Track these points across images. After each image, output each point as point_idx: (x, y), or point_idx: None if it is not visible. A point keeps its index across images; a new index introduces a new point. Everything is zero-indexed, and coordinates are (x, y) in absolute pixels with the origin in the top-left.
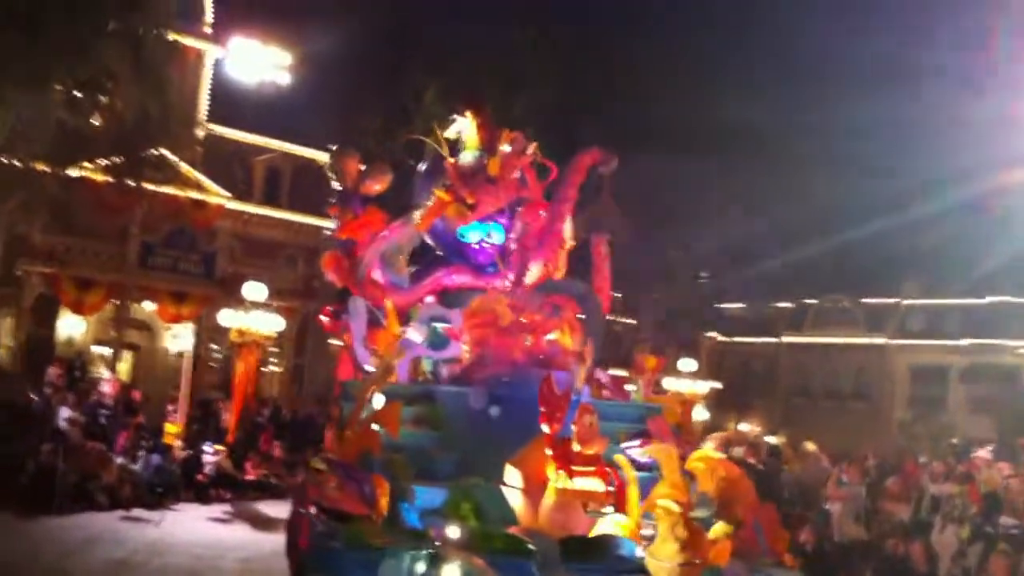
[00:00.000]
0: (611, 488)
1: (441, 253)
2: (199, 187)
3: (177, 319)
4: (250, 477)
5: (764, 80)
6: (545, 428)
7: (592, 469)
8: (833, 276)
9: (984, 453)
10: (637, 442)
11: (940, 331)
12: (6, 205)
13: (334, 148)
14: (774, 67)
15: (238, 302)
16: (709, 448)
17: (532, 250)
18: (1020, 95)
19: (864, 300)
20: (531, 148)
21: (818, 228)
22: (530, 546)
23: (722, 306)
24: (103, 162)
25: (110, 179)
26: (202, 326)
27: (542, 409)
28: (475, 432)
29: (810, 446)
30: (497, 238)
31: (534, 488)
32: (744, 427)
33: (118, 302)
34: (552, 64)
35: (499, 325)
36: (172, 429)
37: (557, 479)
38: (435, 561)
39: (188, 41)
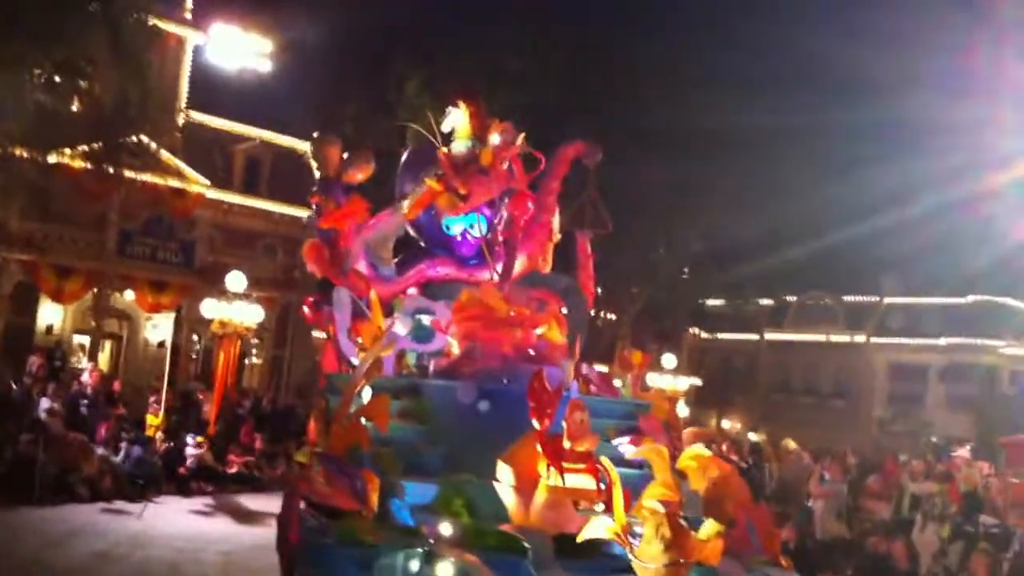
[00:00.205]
0: (603, 486)
1: (424, 244)
2: (178, 175)
3: (157, 308)
4: (231, 470)
5: (748, 81)
6: (535, 424)
7: (583, 466)
8: (815, 274)
9: (963, 452)
10: (627, 439)
11: (920, 330)
12: None
13: (316, 135)
14: (758, 69)
15: (218, 292)
16: (699, 446)
17: (519, 242)
18: (1002, 99)
19: (845, 298)
20: (519, 139)
21: (801, 227)
22: (524, 544)
23: (704, 302)
24: (81, 148)
25: (88, 165)
26: (182, 316)
27: (532, 404)
28: (463, 427)
29: (791, 444)
30: (480, 230)
31: (525, 485)
32: (725, 424)
33: (98, 291)
34: (537, 61)
35: (489, 318)
36: (153, 421)
37: (548, 476)
38: (429, 559)
39: (168, 27)
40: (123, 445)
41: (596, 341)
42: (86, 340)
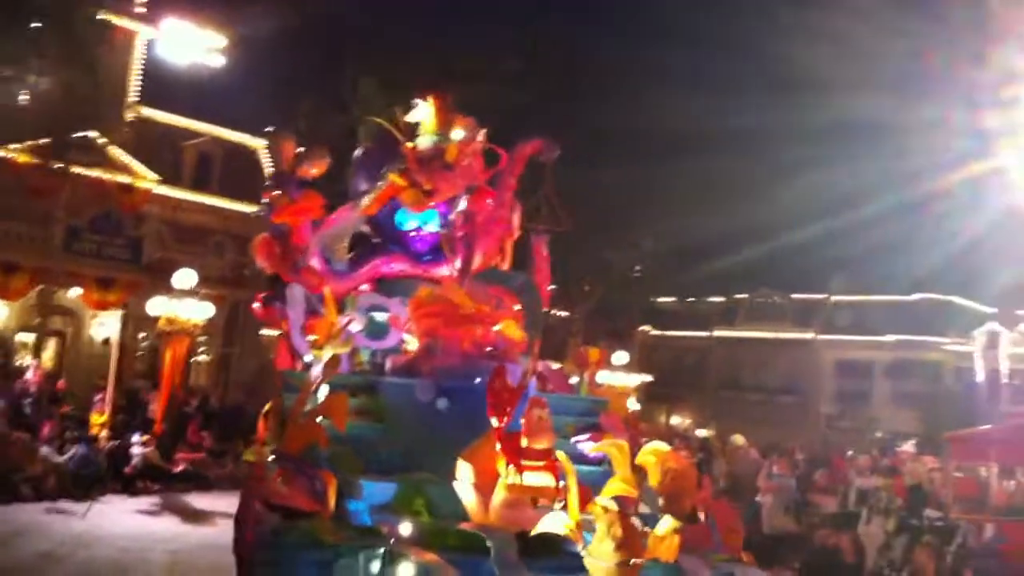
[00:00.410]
0: (562, 484)
1: (377, 240)
2: (127, 170)
3: (103, 306)
4: (178, 468)
5: (703, 82)
6: (494, 421)
7: (542, 464)
8: (766, 273)
9: (908, 447)
10: (587, 436)
11: (867, 327)
12: None
13: (271, 130)
14: (713, 70)
15: (167, 289)
16: (658, 442)
17: (479, 238)
18: (954, 101)
19: (794, 296)
20: (480, 135)
21: (752, 225)
22: (487, 543)
23: (656, 300)
24: (29, 143)
25: (35, 160)
26: (129, 313)
27: (491, 402)
28: (421, 425)
29: (739, 439)
30: (434, 226)
31: (485, 483)
32: (675, 420)
33: (43, 288)
34: (492, 59)
35: (450, 315)
36: (98, 419)
37: (507, 474)
38: (390, 559)
39: (119, 21)
40: (68, 444)
41: (549, 338)
42: (30, 338)
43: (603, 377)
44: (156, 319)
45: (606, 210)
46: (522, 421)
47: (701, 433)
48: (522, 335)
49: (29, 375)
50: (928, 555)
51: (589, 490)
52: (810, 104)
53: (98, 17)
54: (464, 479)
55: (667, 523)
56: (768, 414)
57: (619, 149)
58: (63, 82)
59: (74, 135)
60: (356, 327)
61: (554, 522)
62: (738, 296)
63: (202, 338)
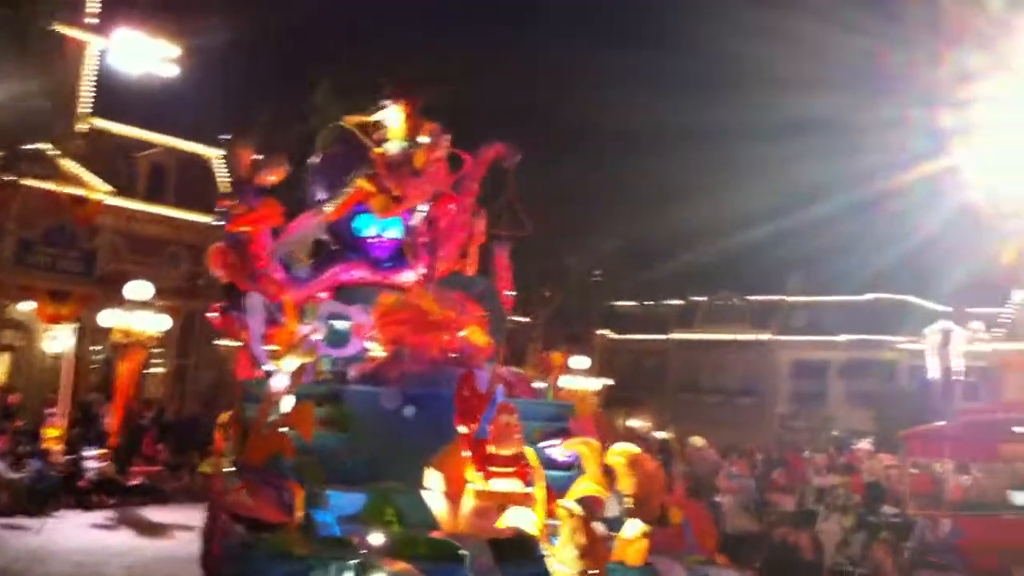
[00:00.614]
0: (530, 489)
1: (336, 247)
2: (80, 182)
3: (57, 319)
4: (134, 482)
5: (657, 83)
6: (461, 428)
7: (511, 470)
8: (723, 274)
9: (865, 444)
10: (557, 441)
11: (822, 327)
12: None
13: (228, 138)
14: (669, 71)
15: (120, 301)
16: (626, 443)
17: (443, 244)
18: (910, 100)
19: (751, 297)
20: (445, 140)
21: (708, 225)
22: (461, 550)
23: (614, 304)
24: None
25: None
26: (83, 326)
27: (459, 408)
28: (386, 433)
29: (698, 441)
30: (394, 232)
31: (455, 491)
32: (635, 423)
33: None
34: (445, 63)
35: (418, 322)
36: (52, 433)
37: (475, 481)
38: (363, 570)
39: (70, 31)
40: (22, 459)
41: (508, 344)
42: None
43: (563, 382)
44: (110, 332)
45: (562, 212)
46: (489, 427)
47: (660, 435)
48: (486, 341)
49: None
50: (886, 551)
51: (556, 496)
52: (765, 103)
53: (49, 28)
54: (434, 487)
55: (635, 527)
56: (726, 415)
57: (577, 151)
58: (14, 94)
59: (25, 147)
60: (317, 335)
61: (520, 517)
62: (695, 298)
63: (157, 350)
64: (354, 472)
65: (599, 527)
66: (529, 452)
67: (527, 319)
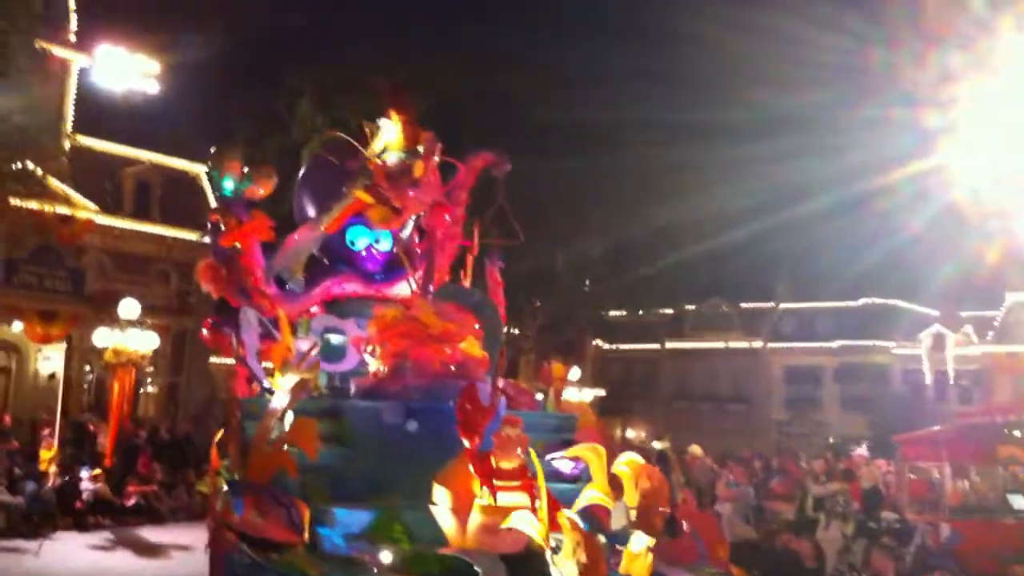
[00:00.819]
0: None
1: (327, 260)
2: (66, 201)
3: (46, 339)
4: (130, 502)
5: (644, 85)
6: (465, 442)
7: (517, 484)
8: (712, 282)
9: (861, 450)
10: (562, 453)
11: (813, 333)
12: None
13: (215, 150)
14: (655, 72)
15: (111, 320)
16: (632, 453)
17: (438, 255)
18: (896, 98)
19: (741, 305)
20: (438, 148)
21: (699, 234)
22: (474, 567)
23: (605, 314)
24: None
25: None
26: (73, 346)
27: (461, 422)
28: (389, 449)
29: (696, 449)
30: (385, 244)
31: (463, 507)
32: (630, 433)
33: None
34: (428, 71)
35: (420, 335)
36: (46, 455)
37: (481, 496)
38: None
39: (54, 49)
40: (17, 481)
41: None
42: None
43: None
44: (102, 351)
45: (547, 220)
46: (494, 440)
47: (657, 445)
48: (483, 353)
49: None
50: (887, 557)
51: (561, 506)
52: (750, 102)
53: (32, 45)
54: (441, 503)
55: (642, 541)
56: (720, 423)
57: (554, 153)
58: None
59: (10, 166)
60: (315, 351)
61: (523, 521)
62: (687, 307)
63: (149, 369)
64: (357, 489)
65: (601, 541)
66: (537, 464)
67: (518, 331)
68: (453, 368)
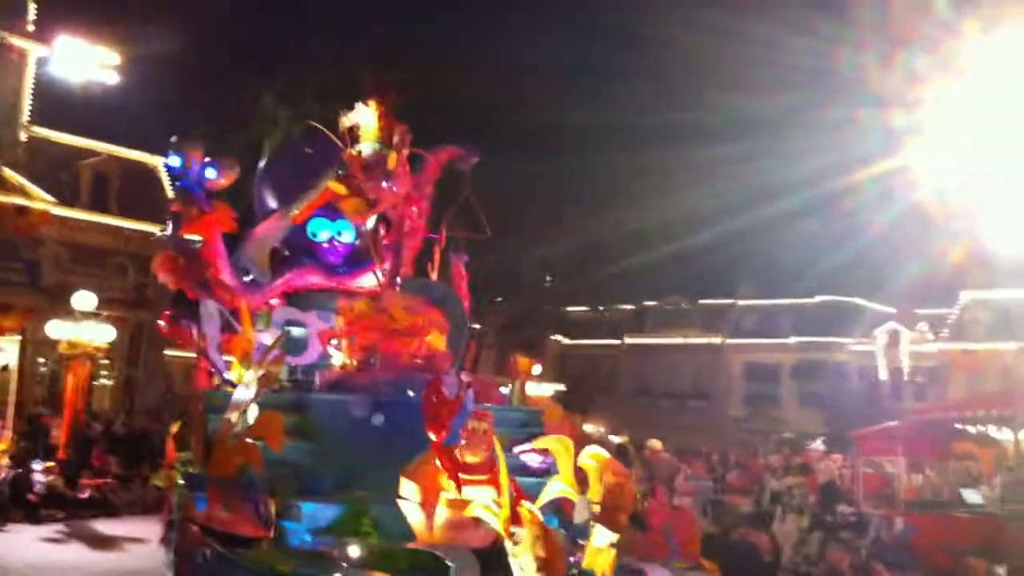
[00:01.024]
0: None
1: (288, 252)
2: (22, 192)
3: (0, 331)
4: (84, 495)
5: (607, 83)
6: (432, 436)
7: (485, 478)
8: (672, 279)
9: (818, 444)
10: (529, 446)
11: (772, 330)
12: None
13: (176, 138)
14: (617, 69)
15: (66, 312)
16: (597, 447)
17: (406, 248)
18: (862, 99)
19: (701, 301)
20: (409, 141)
21: (657, 229)
22: (445, 561)
23: (566, 309)
24: None
25: None
26: (28, 338)
27: (427, 415)
28: (355, 442)
29: (656, 444)
30: (347, 237)
31: (431, 501)
32: (588, 428)
33: None
34: (394, 72)
35: (388, 328)
36: None
37: (448, 490)
38: None
39: (11, 39)
40: None
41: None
42: None
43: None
44: (56, 343)
45: (510, 216)
46: (461, 435)
47: (615, 439)
48: (447, 347)
49: None
50: (842, 550)
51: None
52: (715, 104)
53: None
54: (409, 497)
55: (605, 536)
56: (679, 419)
57: (517, 151)
58: None
59: None
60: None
61: (483, 511)
62: (647, 303)
63: (104, 361)
64: (322, 482)
65: (560, 536)
66: (500, 457)
67: (479, 327)
68: (419, 362)
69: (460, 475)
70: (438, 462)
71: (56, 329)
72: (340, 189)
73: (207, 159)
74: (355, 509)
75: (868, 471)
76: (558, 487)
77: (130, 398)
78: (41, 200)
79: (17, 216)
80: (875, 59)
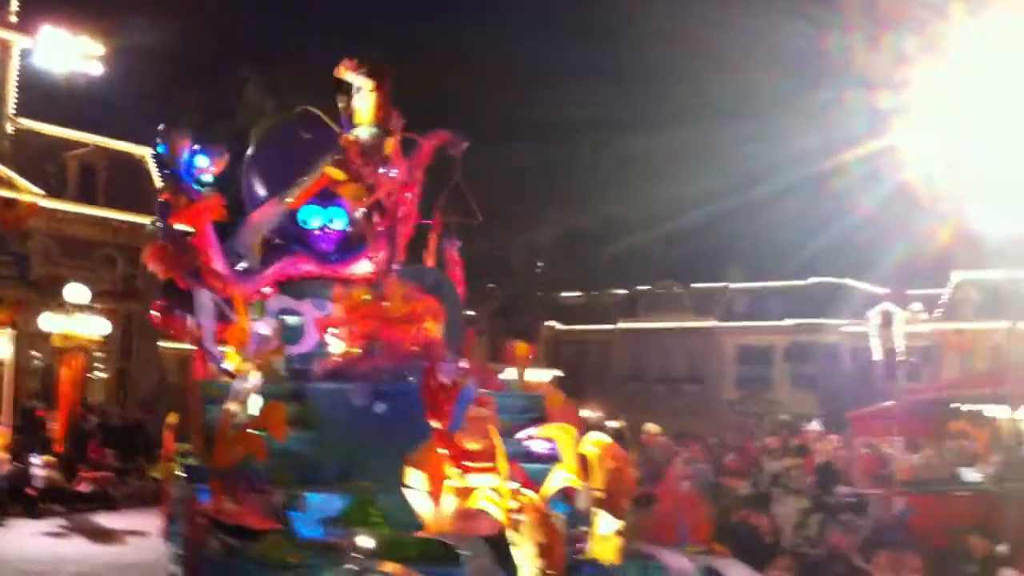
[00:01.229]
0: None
1: (279, 240)
2: (9, 184)
3: None
4: (82, 488)
5: (597, 71)
6: (435, 423)
7: (489, 465)
8: (664, 262)
9: (814, 425)
10: (534, 431)
11: (764, 313)
12: None
13: (163, 126)
14: (607, 57)
15: (57, 305)
16: (599, 433)
17: (400, 234)
18: (849, 81)
19: (693, 285)
20: (401, 126)
21: (648, 213)
22: (456, 551)
23: (558, 295)
24: None
25: None
26: (20, 332)
27: (427, 403)
28: (356, 431)
29: (652, 427)
30: (339, 224)
31: (438, 489)
32: (584, 413)
33: None
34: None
35: (387, 316)
36: None
37: (453, 477)
38: (359, 575)
39: None
40: None
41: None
42: None
43: (510, 375)
44: (49, 337)
45: (501, 203)
46: (464, 422)
47: (612, 424)
48: (443, 333)
49: None
50: (843, 531)
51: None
52: (703, 87)
53: None
54: (416, 486)
55: (609, 523)
56: (673, 402)
57: (509, 138)
58: None
59: None
60: (265, 331)
61: (485, 498)
62: (639, 288)
63: (98, 354)
64: (323, 472)
65: (560, 522)
66: (497, 443)
67: (472, 313)
68: (417, 349)
69: (463, 462)
70: (442, 450)
71: (47, 322)
72: (337, 174)
73: (197, 147)
74: (361, 499)
75: (865, 451)
76: (562, 476)
77: (124, 390)
78: (28, 192)
79: (5, 209)
80: (862, 40)
